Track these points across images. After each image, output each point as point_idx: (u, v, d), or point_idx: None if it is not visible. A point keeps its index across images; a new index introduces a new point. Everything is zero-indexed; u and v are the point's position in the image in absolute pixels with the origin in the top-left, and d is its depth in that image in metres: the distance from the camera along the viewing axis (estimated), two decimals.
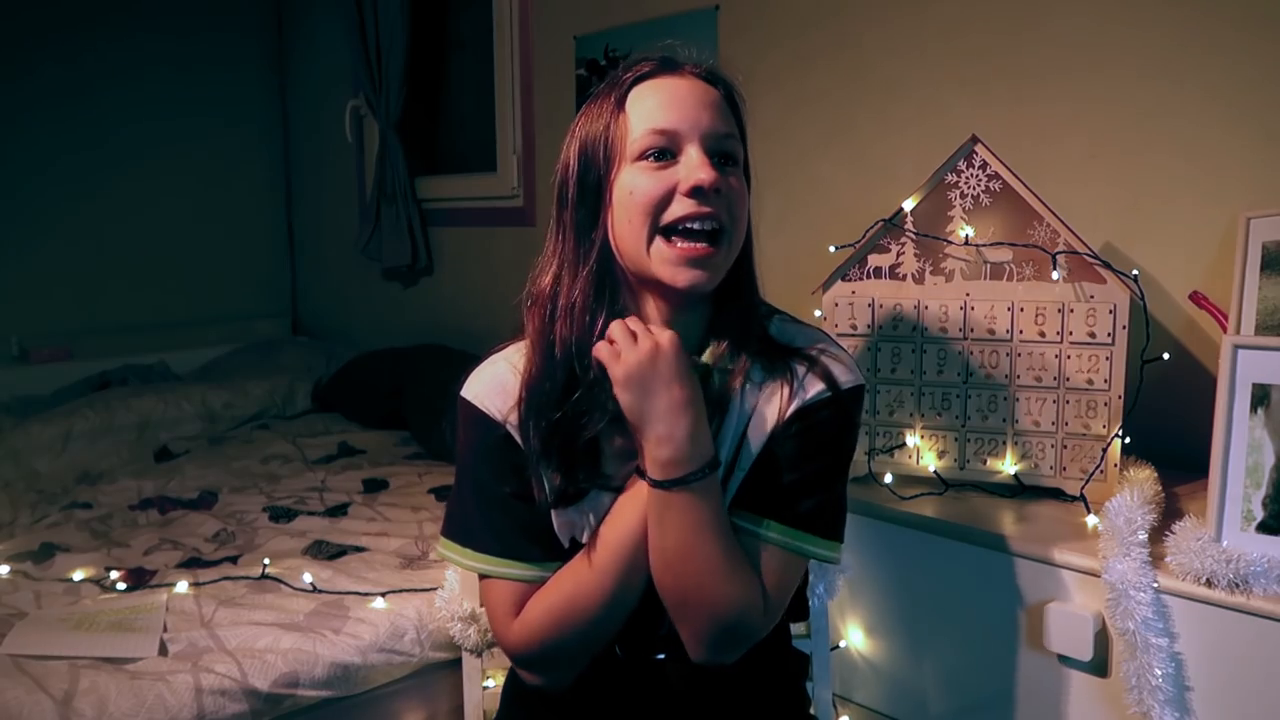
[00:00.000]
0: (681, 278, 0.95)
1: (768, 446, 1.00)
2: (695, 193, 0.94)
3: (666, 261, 0.95)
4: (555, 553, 1.03)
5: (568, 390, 0.98)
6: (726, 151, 0.97)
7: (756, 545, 0.99)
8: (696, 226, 0.94)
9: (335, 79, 3.44)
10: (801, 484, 0.99)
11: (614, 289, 0.99)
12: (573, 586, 1.00)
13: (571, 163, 0.99)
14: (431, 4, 3.13)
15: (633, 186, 0.95)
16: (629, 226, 0.96)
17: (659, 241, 0.95)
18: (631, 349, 0.93)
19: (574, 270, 0.99)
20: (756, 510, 0.99)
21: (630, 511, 0.98)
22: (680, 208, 0.94)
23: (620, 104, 0.97)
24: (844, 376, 1.01)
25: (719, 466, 0.97)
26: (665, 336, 0.94)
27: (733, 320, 1.01)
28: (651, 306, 1.01)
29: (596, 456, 1.01)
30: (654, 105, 0.96)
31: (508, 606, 1.03)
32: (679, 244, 0.94)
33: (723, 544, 0.95)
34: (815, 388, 1.00)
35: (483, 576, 1.05)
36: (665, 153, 0.95)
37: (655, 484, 0.93)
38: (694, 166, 0.94)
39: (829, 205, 2.00)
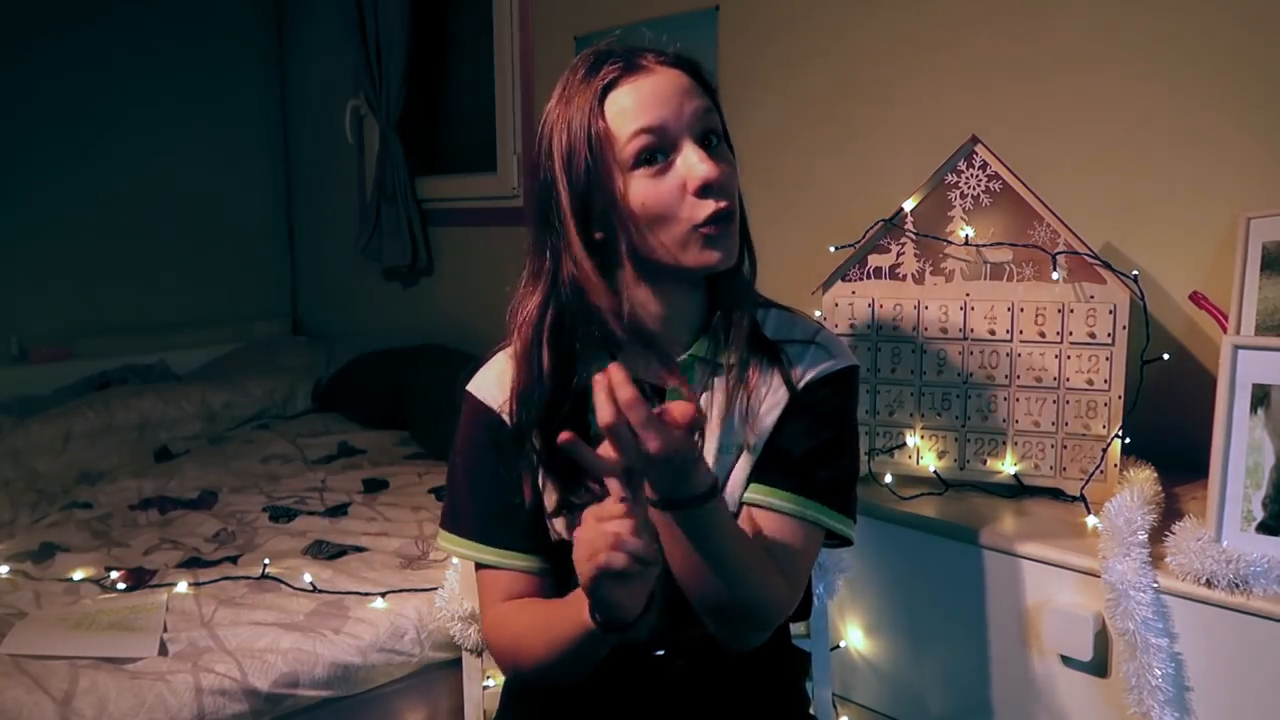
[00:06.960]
0: (709, 258, 0.96)
1: (775, 429, 1.03)
2: (704, 191, 0.94)
3: (692, 248, 0.95)
4: (540, 545, 1.04)
5: (557, 400, 0.99)
6: (711, 129, 0.97)
7: (771, 519, 1.00)
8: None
9: (335, 79, 3.43)
10: (810, 457, 1.01)
11: (593, 318, 0.98)
12: (514, 635, 1.01)
13: (558, 182, 0.97)
14: (431, 4, 3.13)
15: (643, 198, 0.95)
16: (651, 236, 0.95)
17: (686, 236, 0.95)
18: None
19: (560, 298, 0.99)
20: (768, 484, 1.01)
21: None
22: (700, 210, 0.94)
23: (600, 113, 0.95)
24: (840, 357, 1.06)
25: (717, 493, 0.91)
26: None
27: (727, 293, 1.03)
28: (645, 305, 1.00)
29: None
30: (633, 106, 0.95)
31: (490, 595, 1.05)
32: (701, 230, 0.95)
33: (732, 548, 0.93)
34: (813, 370, 1.04)
35: (478, 566, 1.07)
36: (658, 153, 0.94)
37: (653, 504, 0.89)
38: (694, 163, 0.94)
39: (829, 205, 2.00)
